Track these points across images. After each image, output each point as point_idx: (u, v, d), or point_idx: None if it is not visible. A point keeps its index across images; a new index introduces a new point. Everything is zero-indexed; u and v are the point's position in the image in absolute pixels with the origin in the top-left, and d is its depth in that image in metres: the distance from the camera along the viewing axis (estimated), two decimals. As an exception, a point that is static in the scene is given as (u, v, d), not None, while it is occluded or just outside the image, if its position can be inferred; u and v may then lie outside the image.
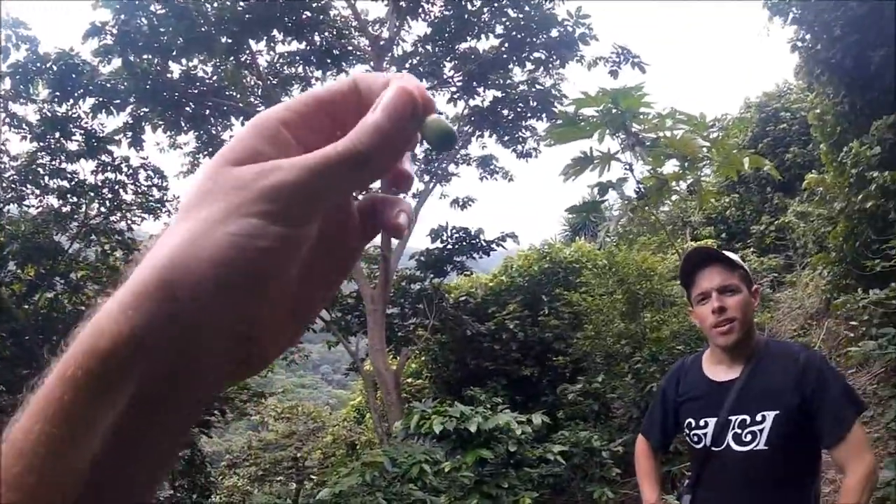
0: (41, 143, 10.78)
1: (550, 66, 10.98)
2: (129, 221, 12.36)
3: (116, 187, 11.75)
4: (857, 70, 8.64)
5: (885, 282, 7.11)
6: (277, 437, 15.86)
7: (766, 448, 2.10)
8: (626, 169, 4.65)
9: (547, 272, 13.19)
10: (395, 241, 11.32)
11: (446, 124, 0.42)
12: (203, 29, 9.68)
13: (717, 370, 2.30)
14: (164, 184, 12.15)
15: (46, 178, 11.17)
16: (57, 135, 10.57)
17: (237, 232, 0.36)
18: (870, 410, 6.63)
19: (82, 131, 10.71)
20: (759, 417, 2.12)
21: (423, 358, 14.30)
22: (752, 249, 14.01)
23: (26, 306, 11.71)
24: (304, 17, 10.55)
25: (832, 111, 9.66)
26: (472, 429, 5.67)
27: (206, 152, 12.36)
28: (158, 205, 12.39)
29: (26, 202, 11.56)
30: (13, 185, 11.21)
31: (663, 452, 2.71)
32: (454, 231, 12.19)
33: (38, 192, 11.45)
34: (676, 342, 8.69)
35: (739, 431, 2.15)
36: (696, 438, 2.26)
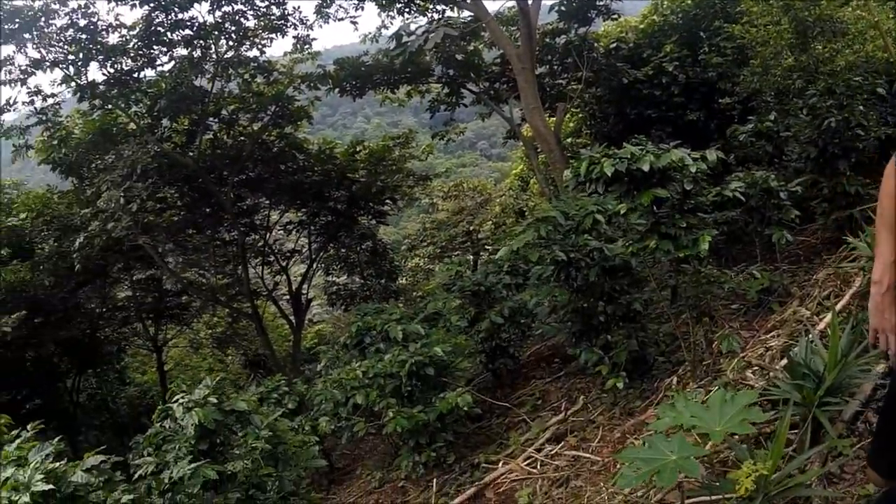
0: (151, 5, 11.01)
1: None
2: (260, 46, 12.67)
3: (237, 17, 11.94)
4: None
5: None
6: (448, 215, 16.95)
7: None
8: None
9: (703, 5, 12.19)
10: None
11: None
12: None
13: None
14: (282, -1, 12.21)
15: (168, 33, 11.54)
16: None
17: None
18: None
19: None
20: None
21: (580, 115, 14.13)
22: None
23: (191, 153, 12.77)
24: None
25: None
26: (645, 168, 5.42)
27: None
28: (281, 21, 12.49)
29: (158, 62, 12.11)
30: (140, 52, 11.70)
31: None
32: (593, -29, 11.33)
33: (164, 49, 11.92)
34: (853, 74, 7.92)
35: None
36: None
